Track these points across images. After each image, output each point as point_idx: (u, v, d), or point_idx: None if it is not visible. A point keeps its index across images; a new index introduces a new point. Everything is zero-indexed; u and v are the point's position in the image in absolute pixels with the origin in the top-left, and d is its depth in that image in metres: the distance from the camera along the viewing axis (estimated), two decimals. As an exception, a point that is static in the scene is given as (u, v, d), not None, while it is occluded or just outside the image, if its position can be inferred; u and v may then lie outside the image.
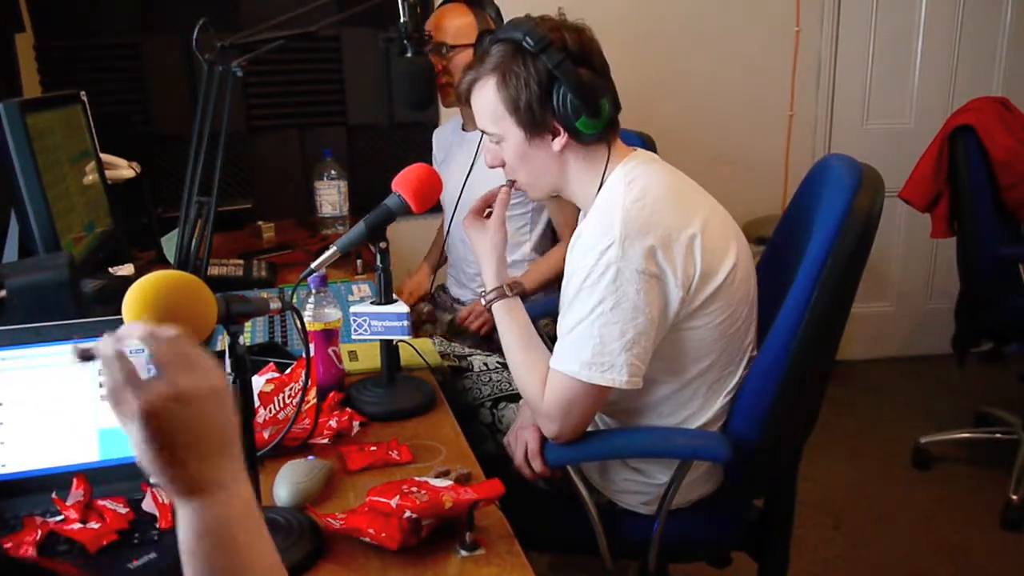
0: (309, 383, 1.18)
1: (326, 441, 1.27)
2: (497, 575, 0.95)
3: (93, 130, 2.02)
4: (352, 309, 1.39)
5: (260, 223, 2.57)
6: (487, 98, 1.31)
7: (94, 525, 1.00)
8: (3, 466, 1.07)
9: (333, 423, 1.29)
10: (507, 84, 1.28)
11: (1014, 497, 2.48)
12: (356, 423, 1.32)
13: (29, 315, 1.13)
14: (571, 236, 1.31)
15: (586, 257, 1.23)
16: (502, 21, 2.03)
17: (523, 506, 1.12)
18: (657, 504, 1.38)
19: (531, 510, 1.21)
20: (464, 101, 1.37)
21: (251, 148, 2.90)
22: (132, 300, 0.72)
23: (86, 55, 2.73)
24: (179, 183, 1.82)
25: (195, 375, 0.64)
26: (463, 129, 2.17)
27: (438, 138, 2.34)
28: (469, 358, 1.77)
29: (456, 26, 2.00)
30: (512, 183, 1.40)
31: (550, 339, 1.35)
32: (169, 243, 2.14)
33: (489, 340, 1.99)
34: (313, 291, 1.40)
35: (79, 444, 1.09)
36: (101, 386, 1.07)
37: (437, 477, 1.11)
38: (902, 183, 2.70)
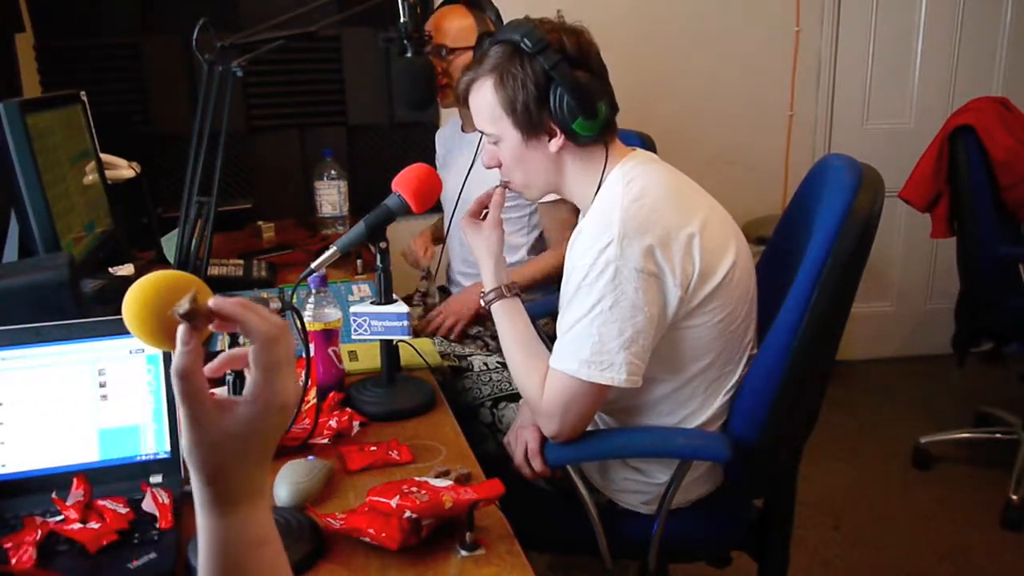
0: (309, 383, 1.18)
1: (326, 441, 1.27)
2: (497, 575, 0.95)
3: (93, 130, 2.02)
4: (352, 309, 1.39)
5: (260, 223, 2.57)
6: (485, 99, 1.31)
7: (94, 525, 1.00)
8: (3, 466, 1.07)
9: (333, 423, 1.29)
10: (504, 85, 1.28)
11: (1014, 497, 2.48)
12: (356, 423, 1.32)
13: (29, 315, 1.12)
14: (558, 243, 1.30)
15: (585, 256, 1.23)
16: (502, 23, 2.03)
17: (523, 506, 1.13)
18: (657, 504, 1.38)
19: (531, 510, 1.21)
20: (462, 102, 1.37)
21: (251, 148, 2.89)
22: (132, 300, 0.72)
23: (86, 55, 2.72)
24: (179, 183, 1.82)
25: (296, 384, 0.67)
26: (462, 130, 2.17)
27: (440, 139, 2.34)
28: (469, 358, 1.77)
29: (456, 28, 2.00)
30: (506, 184, 1.41)
31: (549, 338, 1.35)
32: (169, 243, 2.14)
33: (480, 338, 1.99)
34: (313, 291, 1.40)
35: (79, 444, 1.09)
36: (101, 386, 1.08)
37: (437, 477, 1.10)
38: (902, 183, 2.70)
